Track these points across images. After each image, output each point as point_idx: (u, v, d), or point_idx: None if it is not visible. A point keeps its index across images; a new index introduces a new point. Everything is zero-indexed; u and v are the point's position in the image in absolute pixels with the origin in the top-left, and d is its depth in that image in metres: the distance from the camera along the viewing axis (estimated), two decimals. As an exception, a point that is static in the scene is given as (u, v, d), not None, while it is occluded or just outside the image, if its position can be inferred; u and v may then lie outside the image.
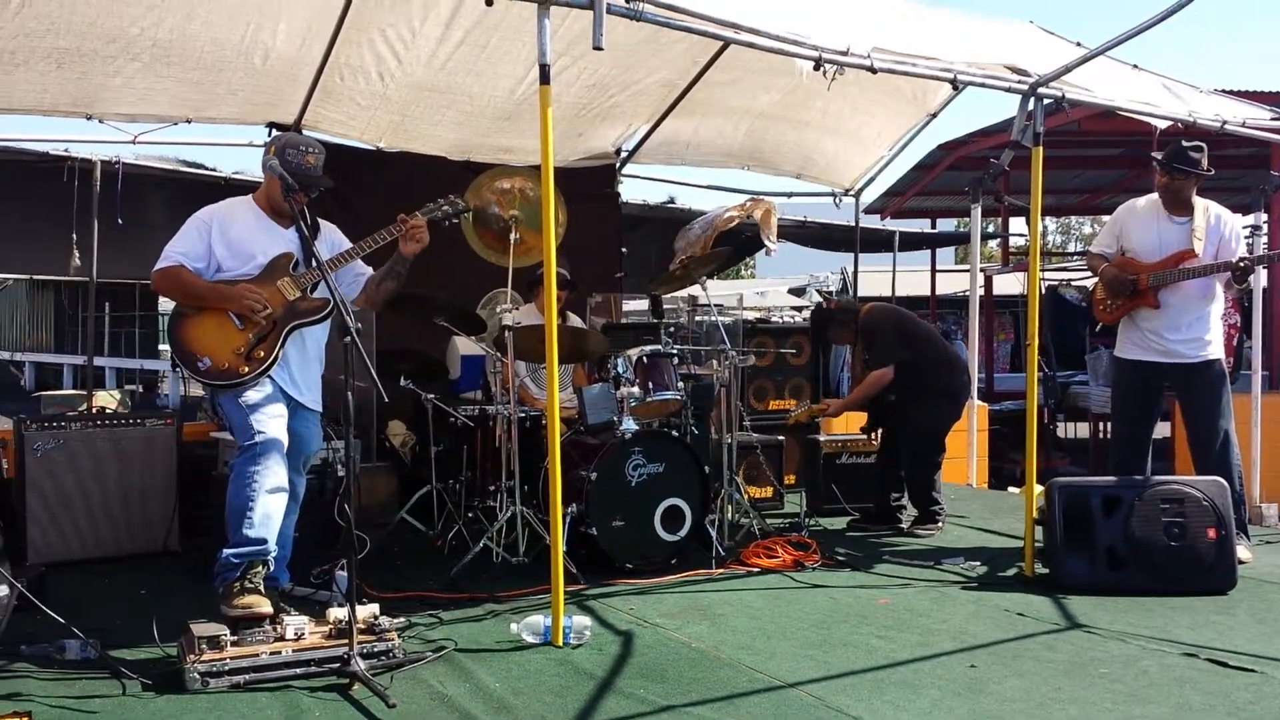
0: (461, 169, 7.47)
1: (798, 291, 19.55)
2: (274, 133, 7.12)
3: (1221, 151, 6.23)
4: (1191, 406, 5.72)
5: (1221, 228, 5.61)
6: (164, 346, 25.42)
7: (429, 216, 4.59)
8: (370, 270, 4.66)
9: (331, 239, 4.61)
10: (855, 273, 10.25)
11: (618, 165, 8.56)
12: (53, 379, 23.01)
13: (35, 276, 21.84)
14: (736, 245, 8.71)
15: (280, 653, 3.75)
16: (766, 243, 8.25)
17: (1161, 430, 5.99)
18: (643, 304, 10.82)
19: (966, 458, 8.34)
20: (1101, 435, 12.62)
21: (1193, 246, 5.53)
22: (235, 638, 3.76)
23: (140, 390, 20.50)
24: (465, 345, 6.78)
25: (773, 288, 21.98)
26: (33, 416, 5.80)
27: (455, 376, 6.95)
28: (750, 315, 9.77)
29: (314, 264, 4.21)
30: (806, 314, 17.32)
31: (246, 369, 4.24)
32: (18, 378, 25.47)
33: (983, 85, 5.35)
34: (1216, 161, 5.69)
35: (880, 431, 6.71)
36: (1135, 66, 6.61)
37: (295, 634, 3.82)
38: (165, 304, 25.23)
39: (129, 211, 7.15)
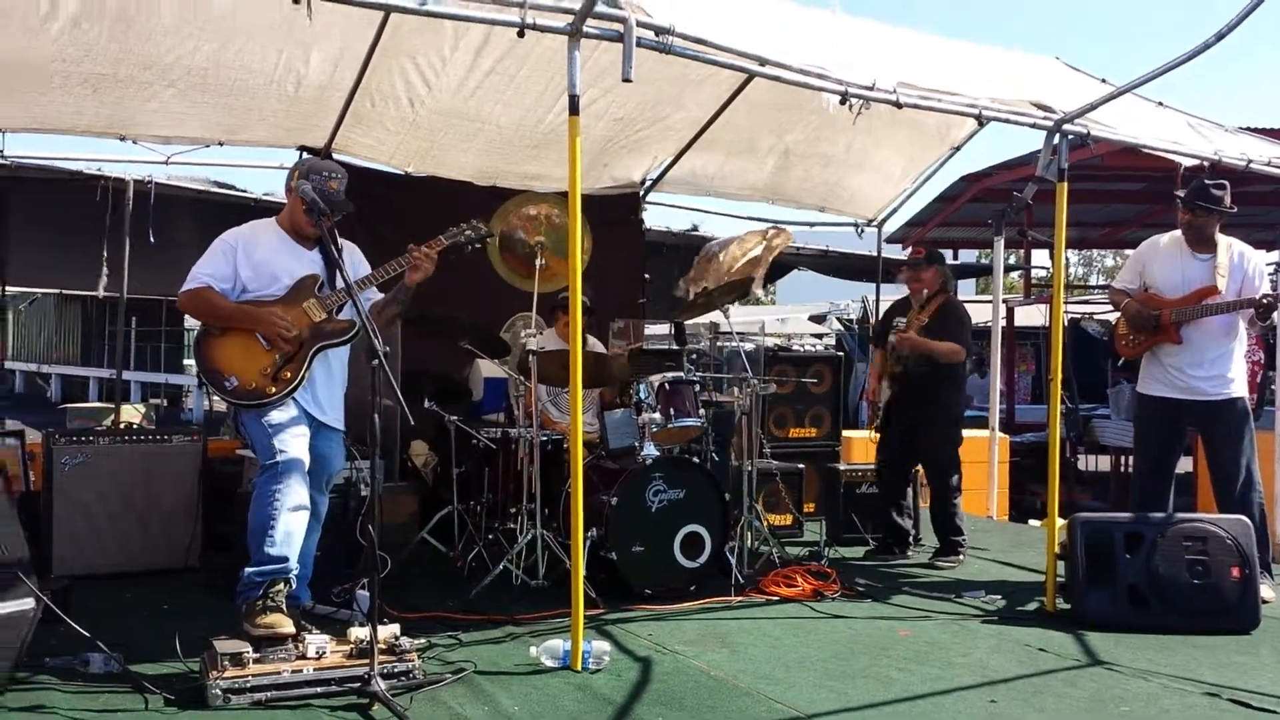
0: (488, 194, 7.55)
1: (818, 319, 19.56)
2: (303, 156, 7.22)
3: (1244, 188, 6.23)
4: (1214, 444, 5.70)
5: (1245, 264, 5.61)
6: (189, 361, 25.62)
7: (452, 240, 4.63)
8: (378, 295, 4.70)
9: (354, 259, 4.66)
10: (877, 302, 10.25)
11: (642, 193, 8.62)
12: (79, 391, 23.20)
13: (65, 291, 22.08)
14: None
15: (301, 671, 3.78)
16: (755, 290, 8.32)
17: (1184, 465, 5.96)
18: (664, 329, 10.87)
19: (987, 489, 8.32)
20: (1123, 469, 12.54)
21: (1216, 283, 5.53)
22: (257, 655, 3.79)
23: (165, 404, 20.64)
24: (488, 367, 6.83)
25: (794, 315, 21.99)
26: (61, 431, 5.86)
27: (478, 398, 6.99)
28: (771, 342, 9.77)
29: (340, 286, 4.26)
30: (828, 341, 17.32)
31: (274, 389, 4.29)
32: (44, 390, 25.72)
33: (1008, 121, 5.37)
34: (1239, 198, 5.70)
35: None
36: (1160, 104, 6.62)
37: (317, 653, 3.85)
38: (191, 320, 25.49)
39: (159, 230, 7.24)
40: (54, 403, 22.47)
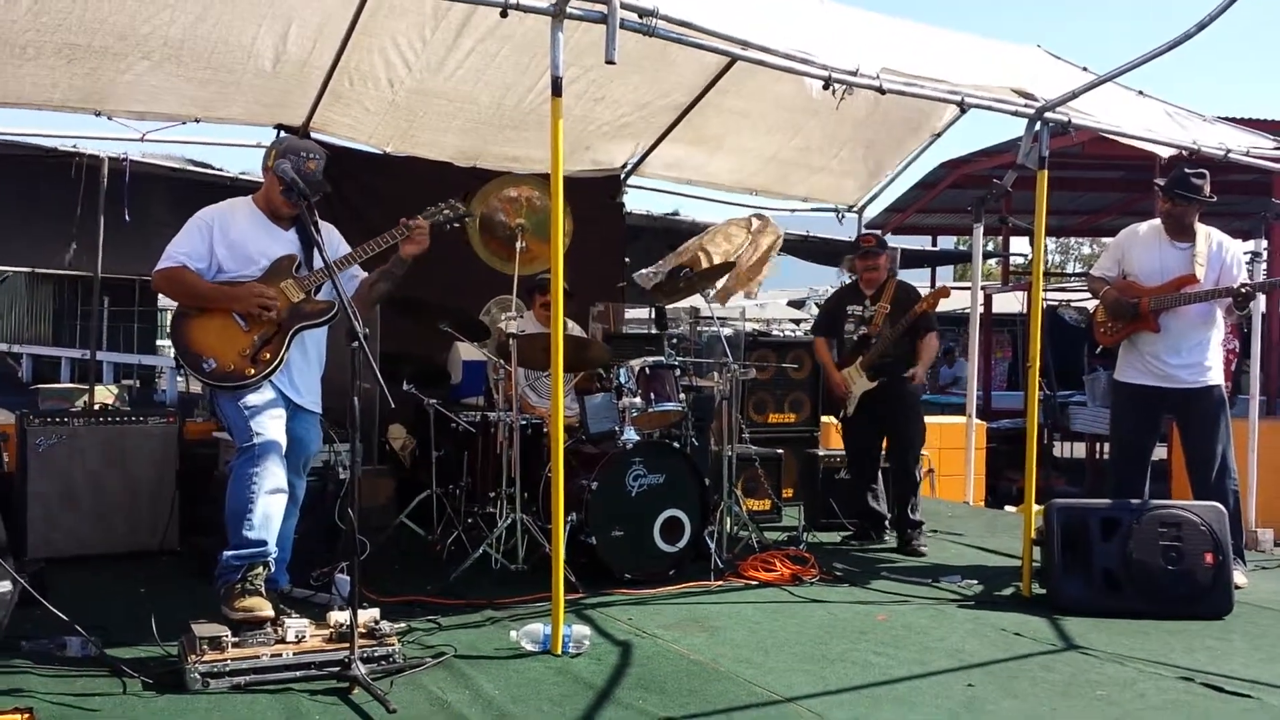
0: (468, 175, 7.50)
1: (797, 304, 19.60)
2: (281, 134, 7.14)
3: (1223, 177, 6.27)
4: (1190, 432, 5.75)
5: (1223, 254, 5.65)
6: (162, 342, 25.46)
7: (431, 220, 4.57)
8: (364, 273, 4.65)
9: (331, 240, 4.61)
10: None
11: (623, 176, 8.59)
12: (50, 372, 22.98)
13: (37, 270, 21.82)
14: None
15: (281, 655, 3.77)
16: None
17: (1158, 452, 6.02)
18: (643, 313, 10.85)
19: (964, 475, 8.37)
20: (1098, 455, 12.66)
21: (1194, 272, 5.57)
22: (236, 639, 3.78)
23: (138, 385, 20.49)
24: (466, 350, 6.80)
25: (772, 300, 22.02)
26: (36, 412, 5.81)
27: (456, 381, 6.97)
28: (749, 327, 9.78)
29: (318, 267, 4.23)
30: (806, 325, 17.33)
31: (253, 371, 4.24)
32: (16, 369, 25.44)
33: (989, 108, 5.38)
34: (1218, 186, 5.74)
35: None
36: (1141, 93, 6.65)
37: (296, 637, 3.83)
38: (165, 300, 25.28)
39: (134, 209, 7.15)
40: (25, 383, 22.24)
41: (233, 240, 4.35)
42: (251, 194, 4.57)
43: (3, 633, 3.69)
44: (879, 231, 7.03)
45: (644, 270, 7.97)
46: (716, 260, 7.94)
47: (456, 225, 4.78)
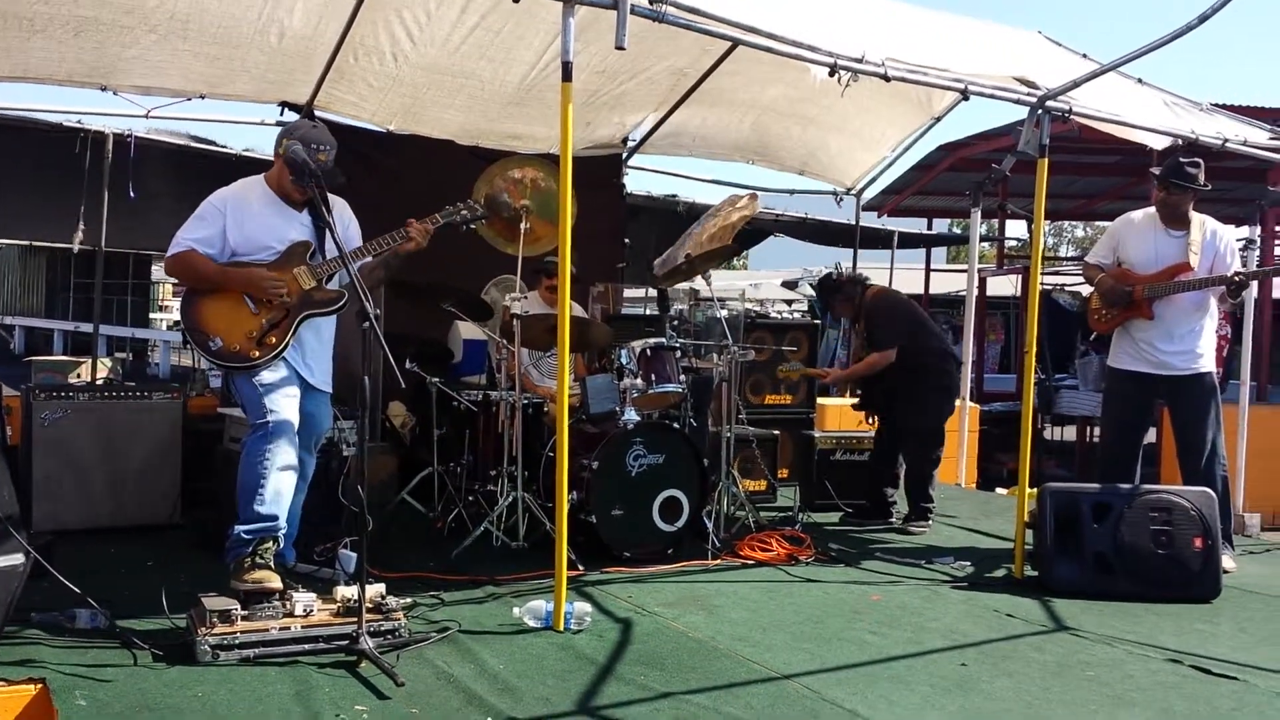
0: (470, 155, 7.53)
1: (791, 285, 19.64)
2: (285, 112, 7.17)
3: (1217, 163, 6.34)
4: (1181, 418, 5.83)
5: (1217, 242, 5.71)
6: (155, 315, 25.41)
7: (447, 220, 4.68)
8: (366, 259, 4.70)
9: (343, 217, 4.65)
10: (854, 269, 10.33)
11: (624, 156, 8.62)
12: (43, 344, 22.95)
13: (34, 243, 21.76)
14: (738, 237, 8.80)
15: (290, 629, 3.83)
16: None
17: (1149, 436, 6.10)
18: (641, 293, 10.90)
19: (956, 458, 8.46)
20: (1089, 439, 12.76)
21: (1188, 260, 5.63)
22: (245, 612, 3.83)
23: (130, 358, 20.47)
24: (467, 329, 6.85)
25: (766, 280, 22.08)
26: (41, 386, 5.85)
27: (457, 360, 7.02)
28: (745, 308, 9.83)
29: (331, 255, 4.30)
30: (800, 308, 17.38)
31: (257, 353, 4.29)
32: (8, 340, 25.39)
33: (992, 97, 5.43)
34: (1212, 173, 5.80)
35: (878, 425, 6.82)
36: (1140, 81, 6.70)
37: (304, 611, 3.89)
38: (158, 274, 25.24)
39: (138, 185, 7.17)
40: (18, 355, 22.21)
41: (246, 224, 4.39)
42: (263, 173, 4.60)
43: (14, 604, 3.74)
44: (833, 280, 7.30)
45: (660, 259, 8.02)
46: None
47: (471, 226, 4.87)
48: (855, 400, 6.99)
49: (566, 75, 4.15)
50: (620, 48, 4.10)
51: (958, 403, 8.63)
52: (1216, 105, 7.31)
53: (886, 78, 4.98)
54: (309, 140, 4.38)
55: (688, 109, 8.07)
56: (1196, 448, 5.71)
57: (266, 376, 4.30)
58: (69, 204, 7.38)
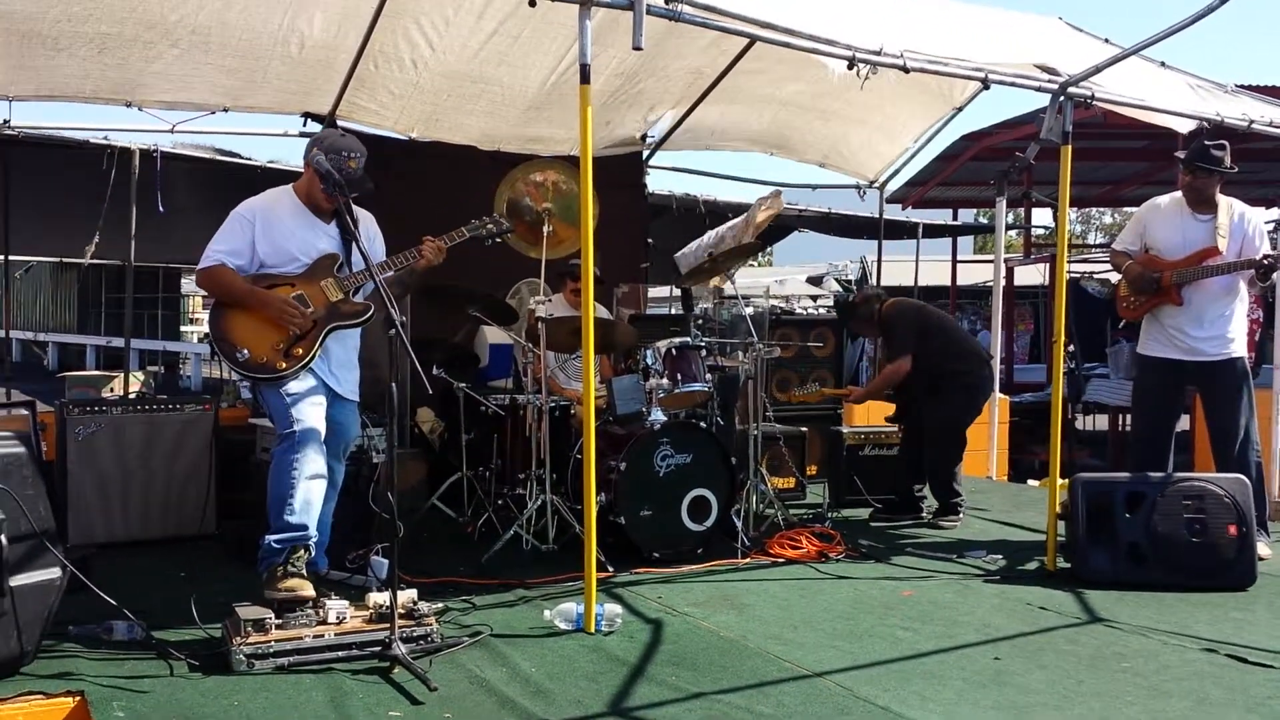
0: (492, 159, 7.56)
1: (816, 280, 19.61)
2: (308, 123, 7.22)
3: (1244, 145, 6.27)
4: (1213, 404, 5.77)
5: (1245, 225, 5.65)
6: (186, 328, 25.67)
7: (474, 234, 4.73)
8: (389, 273, 4.71)
9: (368, 230, 4.68)
10: (879, 263, 10.30)
11: (645, 156, 8.63)
12: (76, 359, 23.23)
13: (65, 260, 22.03)
14: (762, 234, 8.81)
15: (323, 636, 3.86)
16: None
17: (1181, 423, 6.05)
18: (664, 292, 10.90)
19: (987, 450, 8.40)
20: (1121, 428, 12.63)
21: (1216, 244, 5.57)
22: (279, 621, 3.87)
23: (163, 371, 20.69)
24: (493, 333, 6.88)
25: (791, 276, 22.01)
26: (74, 401, 5.91)
27: (484, 364, 7.05)
28: (770, 305, 9.83)
29: (356, 264, 4.34)
30: (825, 303, 17.32)
31: (284, 365, 4.32)
32: (41, 358, 25.71)
33: (1013, 85, 5.40)
34: (1238, 155, 5.74)
35: (905, 422, 6.80)
36: (1163, 64, 6.63)
37: (337, 618, 3.93)
38: (188, 287, 25.52)
39: (165, 198, 7.25)
40: (51, 371, 22.49)
41: (275, 236, 4.42)
42: (292, 183, 4.63)
43: (52, 618, 3.79)
44: (848, 304, 7.36)
45: (684, 251, 8.03)
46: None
47: (498, 240, 4.93)
48: (890, 412, 6.98)
49: (584, 78, 4.16)
50: (638, 48, 4.11)
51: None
52: (1241, 87, 7.23)
53: (905, 69, 4.96)
54: (338, 148, 4.40)
55: (707, 106, 8.06)
56: (1229, 434, 5.65)
57: (293, 386, 4.33)
58: (97, 220, 7.46)
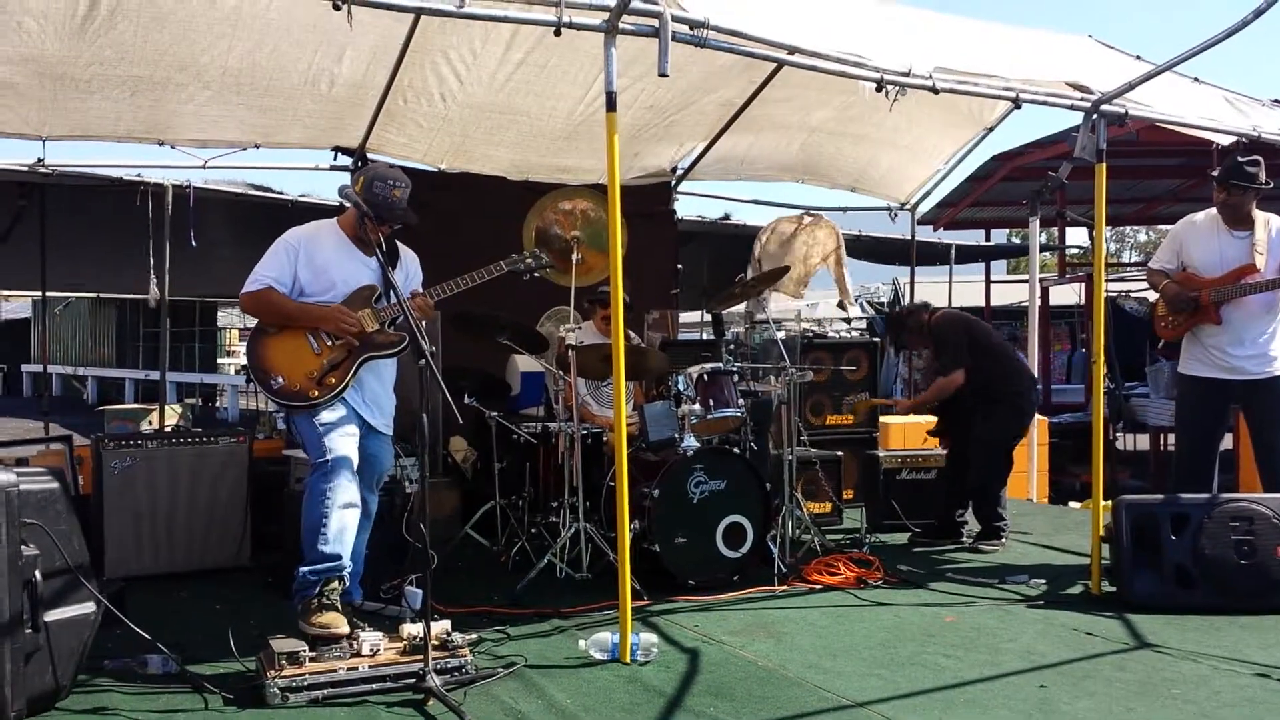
0: (522, 189, 7.58)
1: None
2: (339, 157, 7.28)
3: (1278, 160, 6.18)
4: (1258, 422, 5.66)
5: (1283, 241, 5.55)
6: (223, 360, 25.91)
7: (511, 268, 4.78)
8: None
9: (409, 267, 4.71)
10: (911, 285, 10.23)
11: (673, 183, 8.63)
12: (115, 393, 23.50)
13: (102, 295, 22.34)
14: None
15: (357, 669, 3.83)
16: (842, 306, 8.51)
17: (1225, 442, 5.93)
18: (695, 317, 10.87)
19: (1027, 472, 8.29)
20: (1163, 448, 12.45)
21: (1254, 261, 5.48)
22: (314, 654, 3.85)
23: (200, 404, 20.90)
24: (524, 362, 6.87)
25: (823, 299, 21.90)
26: (110, 435, 5.95)
27: (515, 392, 7.04)
28: (802, 328, 9.77)
29: (394, 298, 4.35)
30: (859, 326, 17.22)
31: (317, 393, 4.34)
32: (81, 391, 26.04)
33: (1045, 103, 5.35)
34: (1274, 170, 5.65)
35: (948, 443, 6.72)
36: (1196, 79, 6.56)
37: (371, 650, 3.90)
38: (224, 320, 25.81)
39: (198, 234, 7.32)
40: (90, 405, 22.77)
41: (317, 264, 4.46)
42: (325, 215, 4.67)
43: (87, 653, 3.79)
44: (895, 314, 7.27)
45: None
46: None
47: (536, 274, 4.97)
48: (931, 427, 6.90)
49: (610, 105, 4.16)
50: (663, 74, 4.10)
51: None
52: (1278, 101, 7.13)
53: (935, 90, 4.92)
54: (384, 178, 4.44)
55: (734, 135, 8.07)
56: (1275, 452, 5.53)
57: (326, 416, 4.35)
58: (133, 256, 7.55)
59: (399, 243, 4.67)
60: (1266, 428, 5.60)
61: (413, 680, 3.81)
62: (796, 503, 6.12)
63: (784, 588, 5.44)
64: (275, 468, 6.21)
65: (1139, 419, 12.29)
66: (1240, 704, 3.73)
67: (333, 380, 4.37)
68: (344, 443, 4.35)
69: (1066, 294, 14.84)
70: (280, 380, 4.36)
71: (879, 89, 4.78)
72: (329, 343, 4.42)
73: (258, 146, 6.98)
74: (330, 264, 4.48)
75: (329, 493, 4.26)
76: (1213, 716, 3.63)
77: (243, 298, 4.47)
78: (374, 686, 3.82)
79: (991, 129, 7.98)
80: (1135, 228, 32.42)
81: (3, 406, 22.16)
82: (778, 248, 8.31)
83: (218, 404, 22.29)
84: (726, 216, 10.23)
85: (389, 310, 4.48)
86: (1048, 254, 16.48)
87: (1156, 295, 5.89)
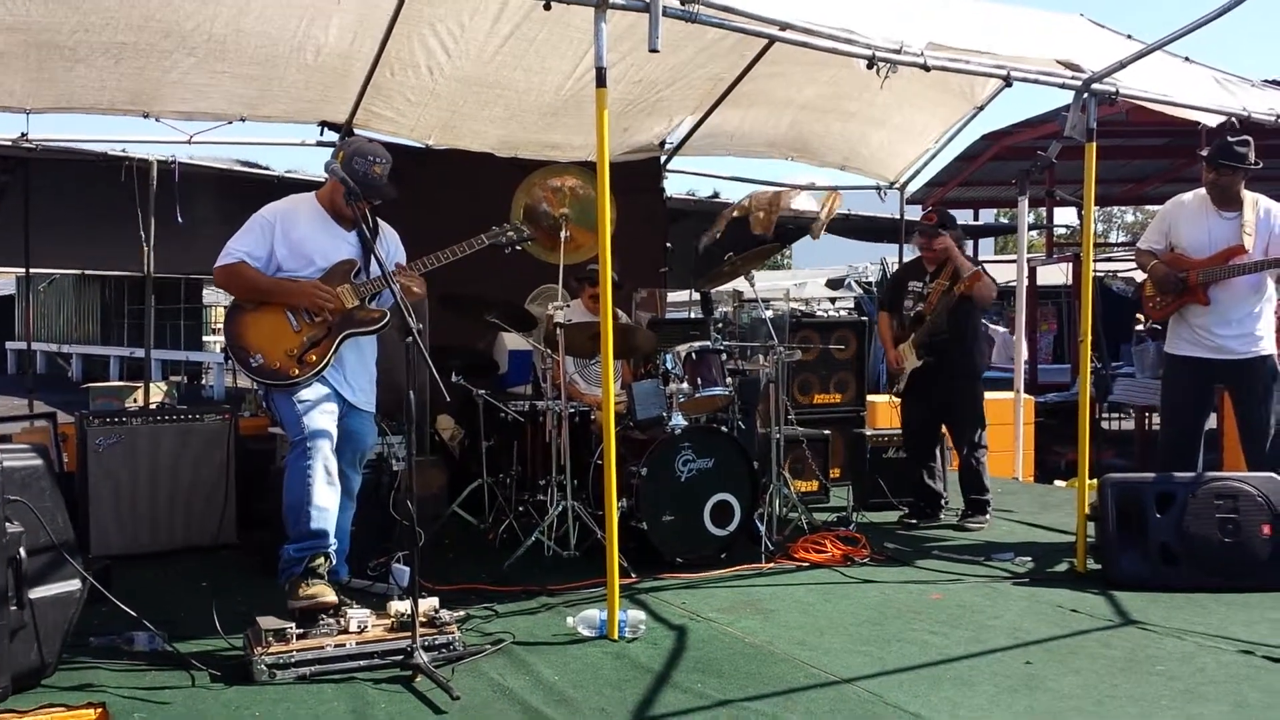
0: (509, 166, 7.53)
1: (836, 283, 19.47)
2: (325, 131, 7.22)
3: (1271, 141, 6.17)
4: (1243, 402, 5.69)
5: (1272, 222, 5.56)
6: (208, 338, 25.78)
7: (493, 241, 4.74)
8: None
9: (389, 243, 4.67)
10: (899, 265, 10.20)
11: (663, 160, 8.60)
12: (100, 370, 23.38)
13: (88, 272, 22.17)
14: (781, 235, 8.77)
15: (344, 645, 3.83)
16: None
17: (1209, 422, 5.96)
18: (684, 296, 10.85)
19: (1012, 451, 8.32)
20: (1147, 427, 12.51)
21: (1242, 242, 5.49)
22: (301, 631, 3.85)
23: (185, 381, 20.80)
24: (511, 339, 6.85)
25: (811, 279, 21.90)
26: (94, 412, 5.91)
27: (503, 371, 7.02)
28: (790, 308, 9.76)
29: (375, 274, 4.32)
30: (845, 305, 17.23)
31: (297, 371, 4.30)
32: (66, 369, 25.90)
33: (1036, 82, 5.33)
34: (1265, 151, 5.65)
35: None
36: (1187, 59, 6.55)
37: (359, 627, 3.90)
38: (210, 297, 25.65)
39: (184, 210, 7.26)
40: (75, 382, 22.65)
41: (294, 239, 4.41)
42: (314, 191, 4.62)
43: (73, 629, 3.77)
44: (944, 210, 6.93)
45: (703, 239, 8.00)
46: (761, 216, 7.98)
47: (517, 247, 4.92)
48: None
49: (600, 81, 4.12)
50: (654, 50, 4.07)
51: (1009, 394, 8.52)
52: (1270, 81, 7.13)
53: (926, 67, 4.90)
54: (364, 153, 4.39)
55: (725, 110, 8.02)
56: (1260, 432, 5.56)
57: (304, 393, 4.31)
58: (119, 232, 7.49)
59: (379, 218, 4.62)
60: (1250, 407, 5.63)
61: (400, 657, 3.81)
62: (784, 481, 6.12)
63: (771, 565, 5.45)
64: (261, 445, 6.18)
65: (1112, 397, 12.34)
66: (1224, 680, 3.76)
67: (313, 358, 4.32)
68: (323, 420, 4.31)
69: (1054, 274, 14.85)
70: (260, 358, 4.32)
71: (870, 66, 4.76)
72: (308, 320, 4.37)
73: (243, 119, 6.89)
74: (307, 239, 4.43)
75: (309, 470, 4.23)
76: (1197, 693, 3.65)
77: (215, 271, 4.41)
78: (361, 663, 3.83)
79: (982, 107, 7.95)
80: (1123, 208, 32.48)
81: (-13, 384, 22.05)
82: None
83: (203, 381, 22.17)
84: (716, 195, 10.20)
85: (369, 286, 4.44)
86: (1035, 234, 16.52)
87: (1144, 275, 5.89)
